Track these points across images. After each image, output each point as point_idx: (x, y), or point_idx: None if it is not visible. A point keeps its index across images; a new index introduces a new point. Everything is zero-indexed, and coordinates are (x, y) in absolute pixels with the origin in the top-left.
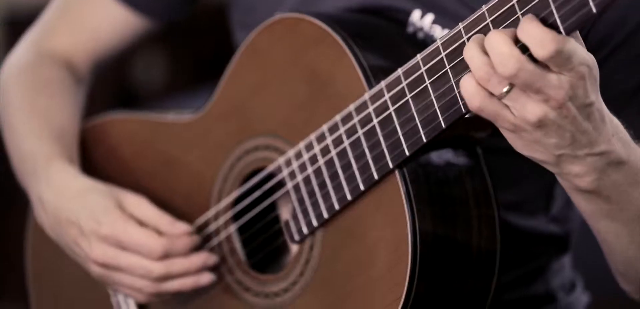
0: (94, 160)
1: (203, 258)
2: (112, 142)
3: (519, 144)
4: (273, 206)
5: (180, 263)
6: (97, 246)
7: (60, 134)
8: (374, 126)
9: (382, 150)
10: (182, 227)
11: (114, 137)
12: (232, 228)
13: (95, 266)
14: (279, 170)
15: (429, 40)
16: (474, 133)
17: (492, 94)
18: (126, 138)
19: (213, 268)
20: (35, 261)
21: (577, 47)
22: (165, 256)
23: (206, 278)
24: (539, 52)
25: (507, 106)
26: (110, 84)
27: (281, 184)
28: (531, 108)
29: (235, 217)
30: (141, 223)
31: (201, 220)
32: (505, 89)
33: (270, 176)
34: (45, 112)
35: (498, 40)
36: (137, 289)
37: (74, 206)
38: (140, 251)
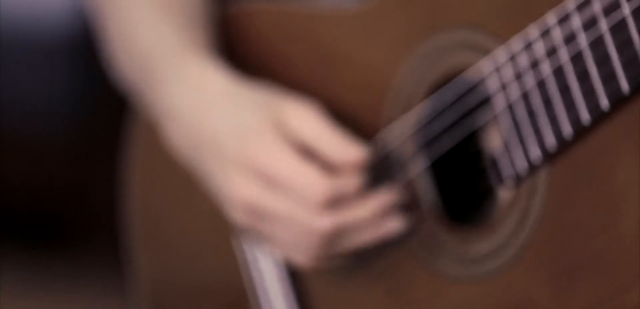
0: (233, 58)
1: (388, 197)
2: (256, 36)
3: None
4: (475, 133)
5: (357, 212)
6: (239, 179)
7: (192, 17)
8: (623, 19)
9: (637, 52)
10: (358, 153)
11: (258, 30)
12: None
13: (238, 209)
14: (483, 79)
15: None
16: None
17: None
18: (274, 31)
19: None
20: (143, 198)
21: None
22: (333, 203)
23: (394, 224)
24: None
25: None
26: None
27: (487, 100)
28: None
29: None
30: (306, 148)
31: (373, 147)
32: None
33: (471, 88)
34: None
35: None
36: (298, 249)
37: (215, 117)
38: (297, 193)
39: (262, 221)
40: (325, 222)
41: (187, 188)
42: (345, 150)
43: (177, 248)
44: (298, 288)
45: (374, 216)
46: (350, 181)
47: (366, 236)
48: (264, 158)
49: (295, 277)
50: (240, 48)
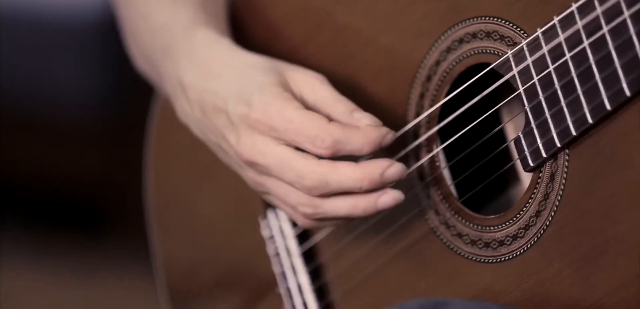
0: (249, 40)
1: (398, 168)
2: (274, 18)
3: None
4: (497, 119)
5: (347, 169)
6: (245, 136)
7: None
8: None
9: None
10: (367, 118)
11: (277, 11)
12: (439, 149)
13: (246, 166)
14: (506, 67)
15: None
16: None
17: None
18: (293, 12)
19: (409, 196)
20: (160, 186)
21: None
22: (335, 151)
23: (388, 197)
24: None
25: None
26: None
27: (509, 87)
28: None
29: (443, 133)
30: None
31: (395, 134)
32: None
33: (494, 76)
34: None
35: None
36: (290, 205)
37: (223, 86)
38: (300, 139)
39: (265, 178)
40: (312, 169)
41: (204, 169)
42: (350, 113)
43: (196, 231)
44: (314, 266)
45: (363, 180)
46: (358, 135)
47: (356, 204)
48: (264, 112)
49: (312, 255)
50: (253, 30)
